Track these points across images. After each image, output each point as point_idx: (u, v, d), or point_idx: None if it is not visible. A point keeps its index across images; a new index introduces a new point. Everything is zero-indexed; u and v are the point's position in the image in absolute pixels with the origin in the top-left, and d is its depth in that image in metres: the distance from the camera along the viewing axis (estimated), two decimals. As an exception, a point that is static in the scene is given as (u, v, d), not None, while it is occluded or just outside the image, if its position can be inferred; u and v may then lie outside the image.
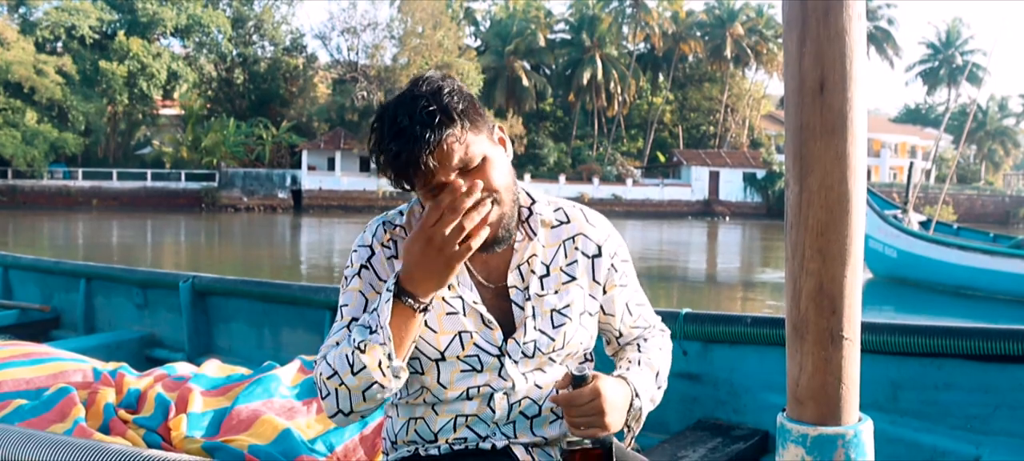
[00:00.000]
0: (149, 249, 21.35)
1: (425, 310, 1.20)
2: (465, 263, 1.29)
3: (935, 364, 2.07)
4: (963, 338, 2.01)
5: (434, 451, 1.34)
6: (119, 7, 43.88)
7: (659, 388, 1.40)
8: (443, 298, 1.29)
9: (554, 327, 1.33)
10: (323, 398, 1.24)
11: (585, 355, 1.42)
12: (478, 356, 1.30)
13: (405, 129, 1.15)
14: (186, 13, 43.94)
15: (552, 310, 1.33)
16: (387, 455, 1.43)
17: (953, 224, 16.63)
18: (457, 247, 1.14)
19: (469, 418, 1.33)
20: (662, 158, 52.98)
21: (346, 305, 1.31)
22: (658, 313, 1.53)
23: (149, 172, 42.87)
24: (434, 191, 1.18)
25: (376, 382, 1.19)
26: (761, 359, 2.30)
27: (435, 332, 1.29)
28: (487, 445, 1.33)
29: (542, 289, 1.33)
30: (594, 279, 1.37)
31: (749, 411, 2.33)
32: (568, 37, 53.25)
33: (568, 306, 1.34)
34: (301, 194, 42.71)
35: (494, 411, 1.32)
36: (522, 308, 1.32)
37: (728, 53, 51.90)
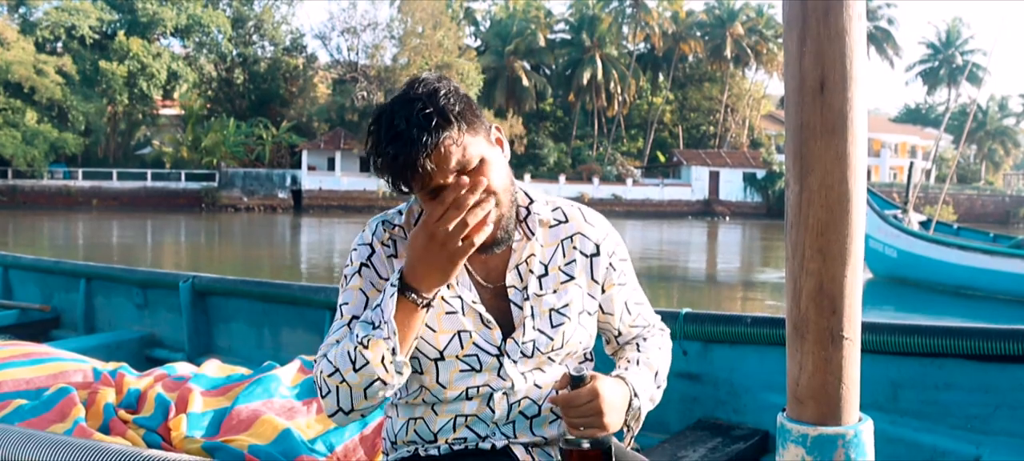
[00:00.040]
0: (149, 249, 21.35)
1: (428, 306, 1.20)
2: (464, 263, 1.29)
3: (935, 364, 2.07)
4: (963, 338, 2.01)
5: (434, 451, 1.34)
6: (119, 7, 43.89)
7: (658, 387, 1.39)
8: (442, 297, 1.29)
9: (553, 327, 1.32)
10: (323, 396, 1.24)
11: (584, 354, 1.42)
12: (477, 356, 1.30)
13: (402, 132, 1.14)
14: (186, 13, 43.94)
15: (551, 310, 1.33)
16: (387, 455, 1.43)
17: (953, 224, 16.64)
18: (460, 243, 1.14)
19: (469, 418, 1.33)
20: (662, 158, 52.99)
21: (346, 303, 1.30)
22: (658, 313, 1.53)
23: (149, 172, 42.87)
24: (432, 194, 1.18)
25: (378, 378, 1.19)
26: (761, 359, 2.30)
27: (434, 331, 1.29)
28: (487, 445, 1.33)
29: (540, 289, 1.33)
30: (592, 278, 1.37)
31: (749, 411, 2.33)
32: (568, 37, 53.26)
33: (567, 305, 1.34)
34: (301, 194, 42.71)
35: (494, 411, 1.32)
36: (521, 308, 1.32)
37: (728, 53, 51.91)
